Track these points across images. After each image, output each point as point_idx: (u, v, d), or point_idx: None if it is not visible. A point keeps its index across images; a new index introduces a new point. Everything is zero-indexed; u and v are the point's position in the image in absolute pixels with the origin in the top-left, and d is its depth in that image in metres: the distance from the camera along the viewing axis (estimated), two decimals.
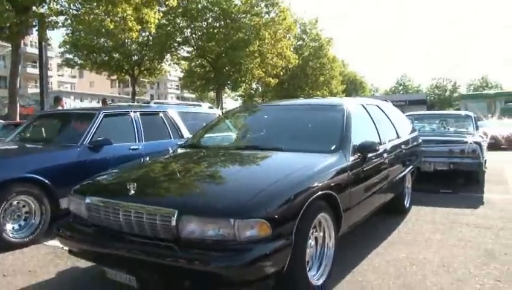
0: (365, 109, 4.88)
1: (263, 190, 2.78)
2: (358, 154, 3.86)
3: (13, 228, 4.46)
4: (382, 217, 5.20)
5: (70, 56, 29.21)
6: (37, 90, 35.90)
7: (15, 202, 4.45)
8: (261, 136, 4.22)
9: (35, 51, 41.78)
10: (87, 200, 3.07)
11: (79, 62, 29.18)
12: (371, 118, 4.83)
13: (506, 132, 16.55)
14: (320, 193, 3.08)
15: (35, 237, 4.53)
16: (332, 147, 3.72)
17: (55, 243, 4.47)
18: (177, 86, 72.28)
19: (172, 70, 41.77)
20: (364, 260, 3.90)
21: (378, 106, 5.49)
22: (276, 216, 2.65)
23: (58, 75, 56.29)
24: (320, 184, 3.14)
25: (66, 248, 4.22)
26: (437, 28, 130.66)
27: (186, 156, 4.12)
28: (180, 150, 4.33)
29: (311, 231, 3.04)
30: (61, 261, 4.02)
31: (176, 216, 2.61)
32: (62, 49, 28.99)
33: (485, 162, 8.29)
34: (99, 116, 5.39)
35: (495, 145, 15.66)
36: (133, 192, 2.90)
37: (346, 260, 3.76)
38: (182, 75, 39.84)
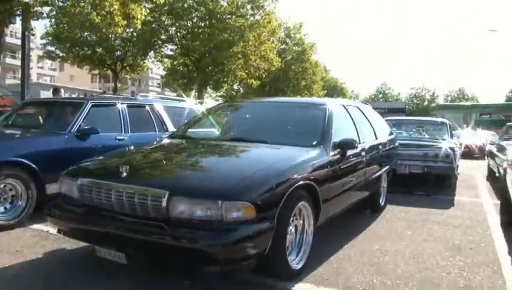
0: (346, 109, 5.11)
1: (249, 176, 2.97)
2: (338, 150, 4.08)
3: None
4: (358, 214, 5.45)
5: (52, 48, 28.83)
6: (15, 81, 35.30)
7: (2, 185, 4.52)
8: (246, 129, 4.39)
9: (15, 41, 41.05)
10: (79, 182, 3.20)
11: (61, 55, 28.82)
12: (351, 118, 5.07)
13: (479, 142, 17.22)
14: (301, 182, 3.28)
15: (21, 220, 4.61)
16: (314, 142, 3.92)
17: (40, 226, 4.60)
18: (158, 84, 71.88)
19: (155, 68, 41.61)
20: (341, 250, 4.11)
21: (358, 108, 5.74)
22: (260, 201, 2.84)
23: (38, 67, 55.40)
24: (301, 175, 3.35)
25: (52, 232, 4.39)
26: (420, 38, 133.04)
27: (174, 145, 4.28)
28: (167, 140, 4.48)
29: (292, 218, 3.24)
30: (47, 243, 4.11)
31: (166, 197, 2.77)
32: (44, 41, 28.59)
33: (457, 167, 8.66)
34: (87, 105, 5.49)
35: (468, 154, 16.29)
36: (125, 174, 3.05)
37: (324, 249, 3.96)
38: (164, 73, 39.74)
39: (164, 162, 3.55)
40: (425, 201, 6.87)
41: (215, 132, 4.78)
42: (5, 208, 4.58)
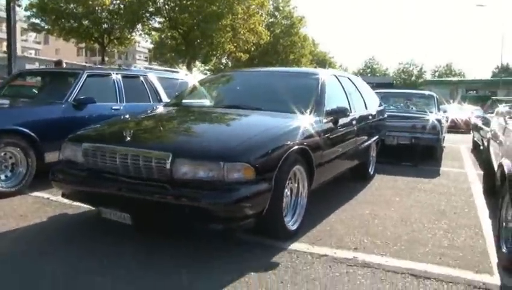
0: (338, 79, 5.24)
1: (248, 140, 3.12)
2: (331, 118, 4.23)
3: (0, 178, 4.62)
4: (349, 182, 5.66)
5: (37, 21, 28.25)
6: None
7: (2, 153, 4.60)
8: (241, 97, 4.49)
9: None
10: (84, 147, 3.31)
11: (46, 27, 28.29)
12: (343, 88, 5.21)
13: (464, 116, 17.57)
14: (296, 147, 3.44)
15: (21, 188, 4.71)
16: (308, 110, 4.07)
17: (40, 194, 4.72)
18: (145, 57, 70.98)
19: (142, 41, 41.07)
20: (332, 214, 4.31)
21: (349, 79, 5.88)
22: (259, 163, 2.99)
23: (22, 40, 54.22)
24: (296, 140, 3.50)
25: (52, 198, 4.51)
26: (409, 13, 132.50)
27: (172, 112, 4.39)
28: (164, 108, 4.59)
29: (288, 181, 3.40)
30: (49, 208, 4.24)
31: (170, 159, 2.91)
32: (28, 13, 27.98)
33: (444, 139, 8.90)
34: (83, 75, 5.54)
35: (454, 128, 16.63)
36: (129, 138, 3.17)
37: (316, 214, 4.14)
38: (151, 46, 39.29)
39: (165, 127, 3.67)
40: (412, 171, 7.09)
41: (211, 100, 4.87)
42: (6, 176, 4.67)
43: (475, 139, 10.29)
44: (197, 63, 35.97)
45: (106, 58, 37.75)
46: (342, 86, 5.19)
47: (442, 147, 8.98)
